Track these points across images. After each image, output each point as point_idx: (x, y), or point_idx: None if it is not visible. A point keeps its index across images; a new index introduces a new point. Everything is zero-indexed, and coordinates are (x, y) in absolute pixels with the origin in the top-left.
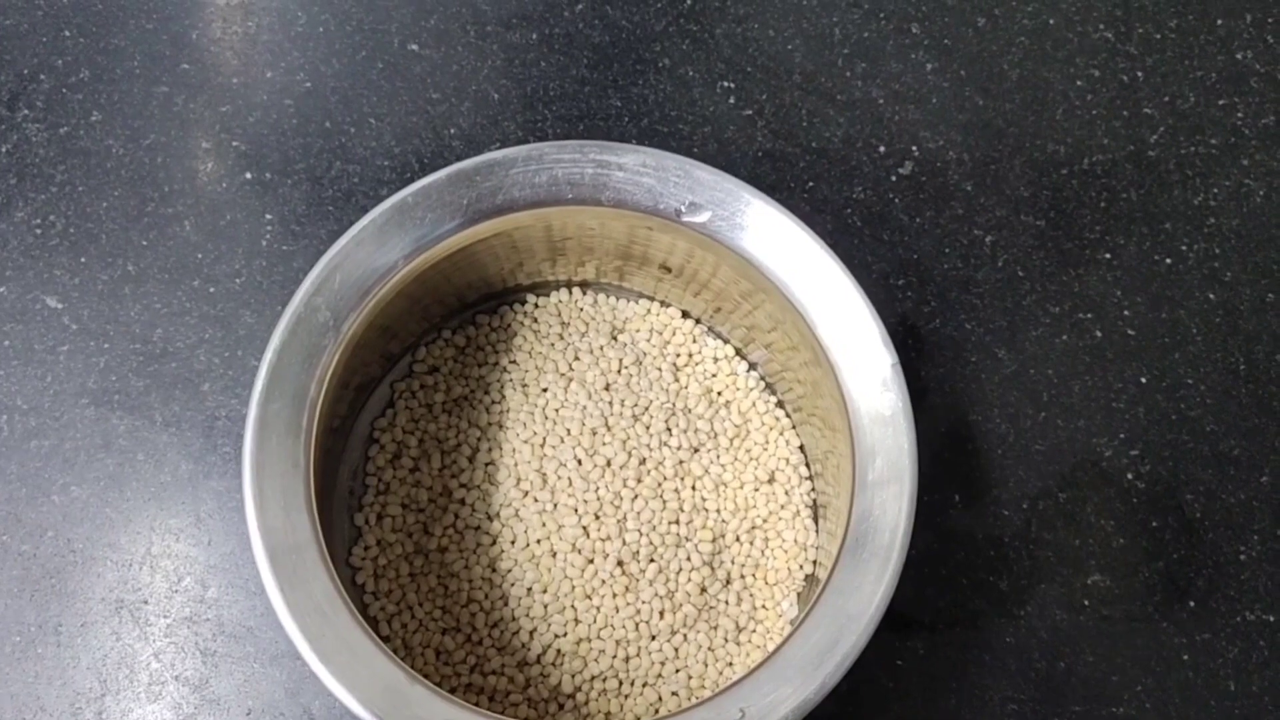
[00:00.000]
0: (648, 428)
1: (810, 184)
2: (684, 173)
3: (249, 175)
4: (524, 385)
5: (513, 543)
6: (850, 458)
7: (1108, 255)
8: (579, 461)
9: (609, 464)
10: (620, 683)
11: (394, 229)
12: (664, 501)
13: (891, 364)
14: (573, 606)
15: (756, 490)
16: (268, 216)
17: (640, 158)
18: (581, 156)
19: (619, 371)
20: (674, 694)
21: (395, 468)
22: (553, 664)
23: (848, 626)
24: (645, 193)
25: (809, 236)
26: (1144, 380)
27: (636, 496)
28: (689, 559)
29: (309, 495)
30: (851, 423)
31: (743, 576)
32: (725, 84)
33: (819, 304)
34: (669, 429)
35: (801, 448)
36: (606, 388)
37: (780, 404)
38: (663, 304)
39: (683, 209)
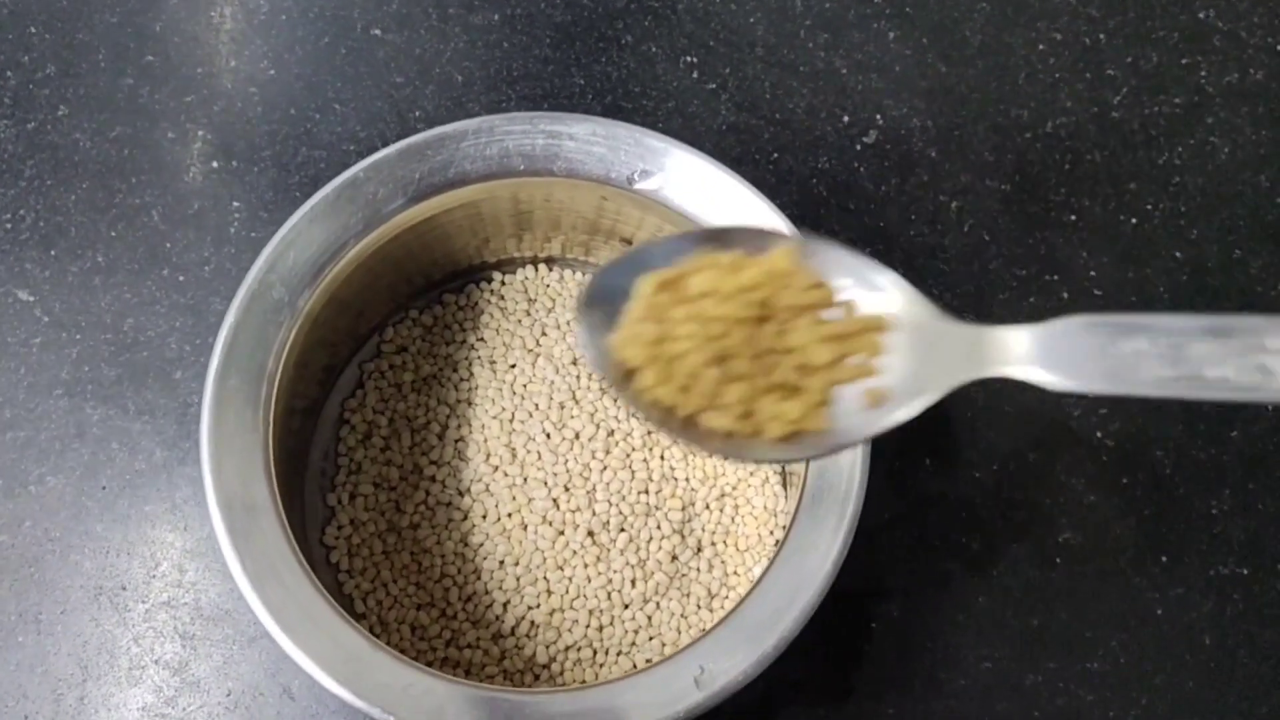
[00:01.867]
0: (615, 400)
1: (775, 155)
2: (635, 141)
3: (215, 164)
4: (492, 362)
5: (484, 517)
6: None
7: (1073, 217)
8: (547, 435)
9: (577, 436)
10: (594, 652)
11: (346, 204)
12: (632, 472)
13: None
14: (545, 578)
15: (725, 457)
16: (235, 204)
17: (591, 127)
18: (532, 128)
19: None
20: (648, 661)
21: (366, 447)
22: (527, 635)
23: (805, 582)
24: (597, 162)
25: (760, 200)
26: None
27: (605, 468)
28: (659, 528)
29: (267, 465)
30: None
31: (713, 544)
32: (688, 59)
33: None
34: None
35: None
36: (574, 362)
37: None
38: None
39: (634, 176)
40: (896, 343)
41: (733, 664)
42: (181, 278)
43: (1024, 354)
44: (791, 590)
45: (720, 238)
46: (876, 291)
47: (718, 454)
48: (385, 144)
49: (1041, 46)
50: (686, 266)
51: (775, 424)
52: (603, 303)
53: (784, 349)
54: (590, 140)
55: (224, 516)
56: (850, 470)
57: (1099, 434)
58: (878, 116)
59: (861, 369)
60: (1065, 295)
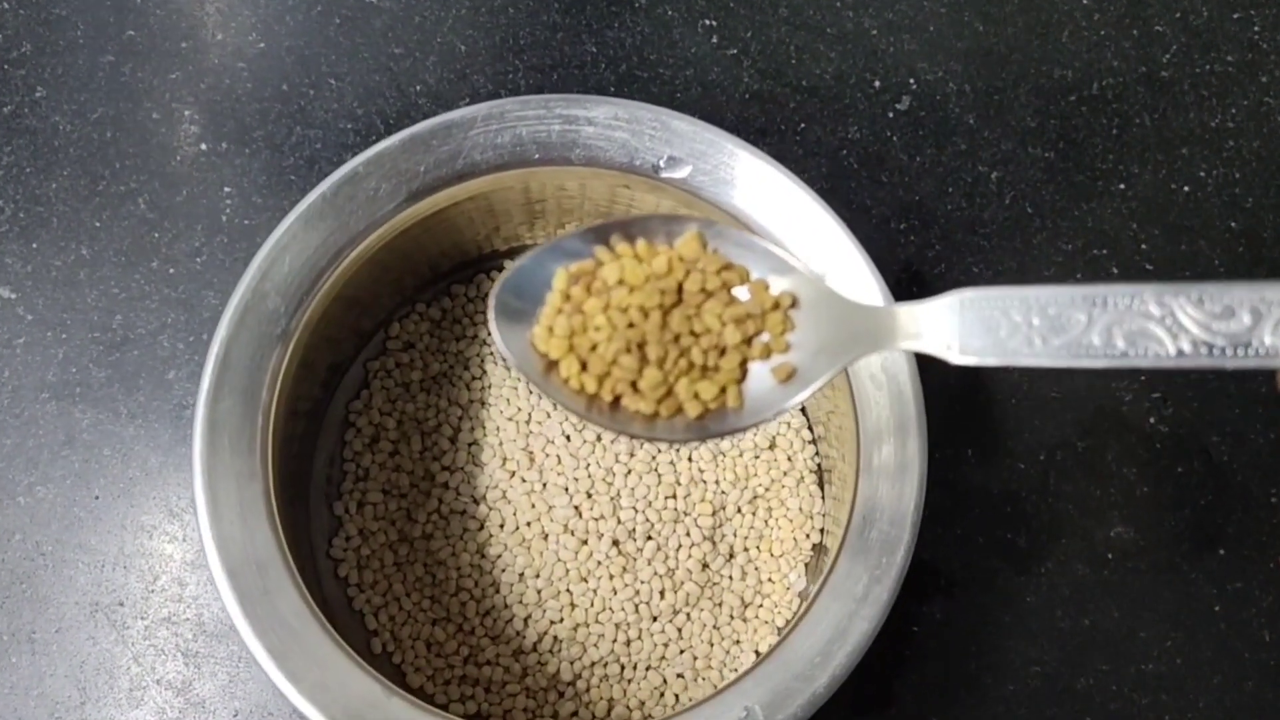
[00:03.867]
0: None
1: (802, 126)
2: (660, 124)
3: (204, 146)
4: (505, 359)
5: (501, 526)
6: (854, 420)
7: (1121, 186)
8: (567, 438)
9: (599, 438)
10: (622, 667)
11: (345, 203)
12: (659, 475)
13: None
14: (568, 590)
15: (757, 458)
16: (226, 189)
17: (611, 110)
18: (547, 112)
19: None
20: (679, 676)
21: (373, 452)
22: (550, 651)
23: (858, 614)
24: (619, 149)
25: (799, 187)
26: None
27: (630, 471)
28: (688, 534)
29: (269, 499)
30: (854, 389)
31: (746, 550)
32: (707, 22)
33: (814, 259)
34: None
35: (803, 410)
36: None
37: None
38: None
39: (660, 164)
40: (802, 320)
41: (781, 705)
42: (172, 270)
43: (918, 330)
44: (843, 621)
45: (630, 227)
46: (781, 273)
47: (641, 437)
48: (385, 121)
49: (1085, 2)
50: (600, 257)
51: (693, 403)
52: (520, 298)
53: (696, 331)
54: (611, 125)
55: (224, 565)
56: (906, 487)
57: (1151, 420)
58: (911, 81)
59: (769, 346)
60: (1115, 270)
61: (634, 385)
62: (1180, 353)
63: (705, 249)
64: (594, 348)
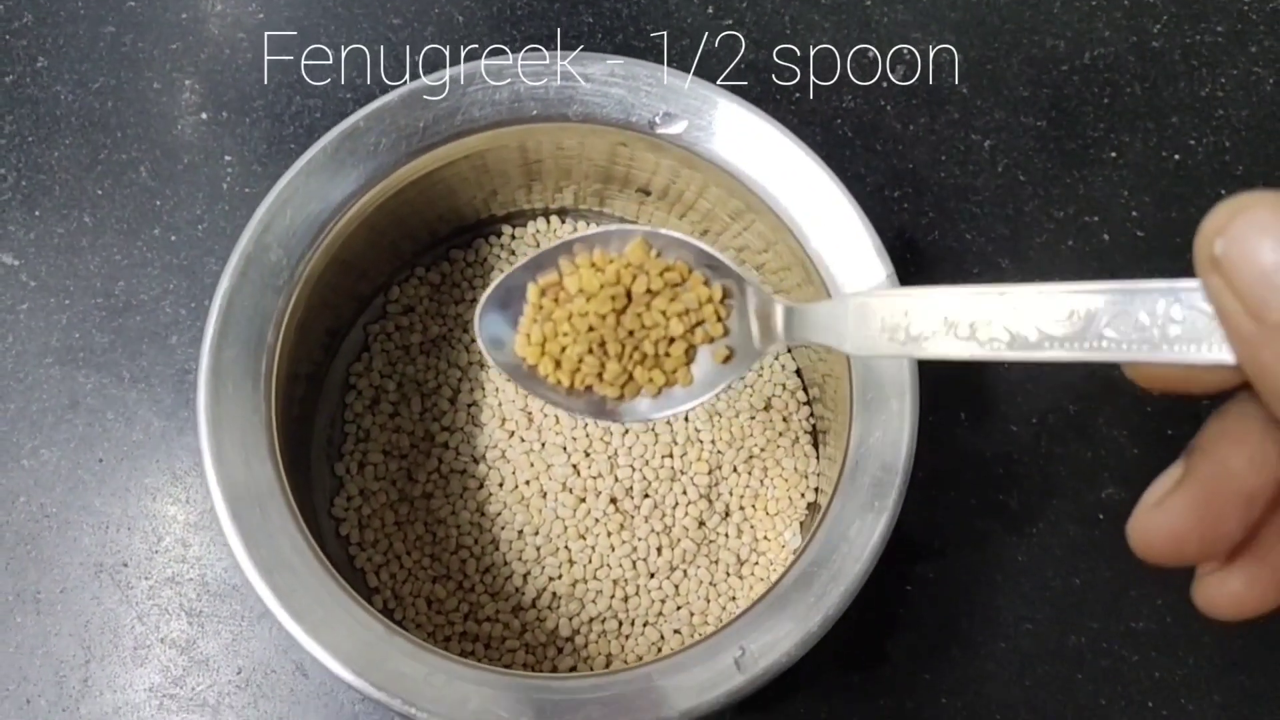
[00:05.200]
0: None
1: (797, 95)
2: (656, 81)
3: (205, 115)
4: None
5: (500, 485)
6: (848, 377)
7: (1113, 154)
8: None
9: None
10: (620, 623)
11: (346, 157)
12: (656, 435)
13: (887, 274)
14: (566, 548)
15: (753, 418)
16: (227, 158)
17: (608, 67)
18: (545, 69)
19: None
20: (676, 631)
21: (374, 414)
22: (548, 608)
23: (850, 555)
24: (615, 104)
25: (791, 141)
26: None
27: (627, 431)
28: (684, 493)
29: (271, 443)
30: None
31: (742, 508)
32: None
33: (807, 215)
34: None
35: (799, 372)
36: None
37: None
38: None
39: (656, 120)
40: (734, 310)
41: (775, 645)
42: (174, 237)
43: (821, 327)
44: (835, 564)
45: (589, 241)
46: (715, 270)
47: (609, 419)
48: (383, 91)
49: None
50: (564, 269)
51: (650, 386)
52: (504, 308)
53: (646, 326)
54: (608, 81)
55: (228, 506)
56: (898, 435)
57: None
58: (905, 51)
59: (709, 334)
60: (1106, 237)
61: (600, 376)
62: (1029, 343)
63: (650, 253)
64: (564, 350)
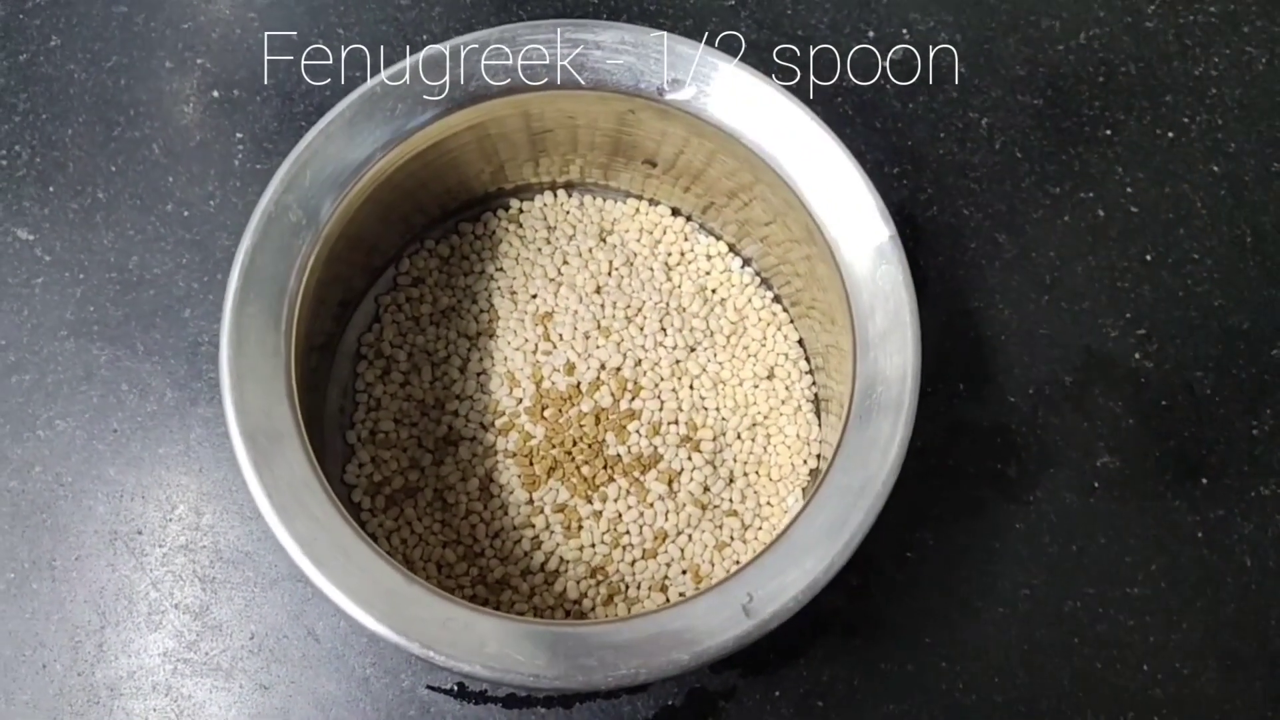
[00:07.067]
0: (642, 329)
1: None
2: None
3: (216, 94)
4: (513, 292)
5: (509, 452)
6: (851, 339)
7: (1108, 132)
8: (573, 365)
9: (604, 367)
10: (627, 586)
11: (364, 120)
12: (661, 402)
13: (889, 235)
14: (575, 513)
15: (756, 387)
16: (238, 135)
17: (618, 34)
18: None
19: (609, 273)
20: (681, 594)
21: (385, 383)
22: (557, 571)
23: (856, 503)
24: (625, 71)
25: (795, 105)
26: (1149, 258)
27: (634, 398)
28: (690, 459)
29: (290, 391)
30: (850, 296)
31: (745, 474)
32: None
33: (811, 178)
34: (664, 329)
35: (801, 342)
36: (597, 290)
37: (777, 299)
38: (651, 202)
39: (665, 86)
40: None
41: (782, 590)
42: (186, 213)
43: None
44: (842, 512)
45: None
46: None
47: None
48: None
49: None
50: None
51: None
52: None
53: None
54: (618, 48)
55: (247, 447)
56: (900, 390)
57: (1137, 355)
58: (904, 31)
59: None
60: (1100, 213)
61: None
62: None
63: None
64: None
